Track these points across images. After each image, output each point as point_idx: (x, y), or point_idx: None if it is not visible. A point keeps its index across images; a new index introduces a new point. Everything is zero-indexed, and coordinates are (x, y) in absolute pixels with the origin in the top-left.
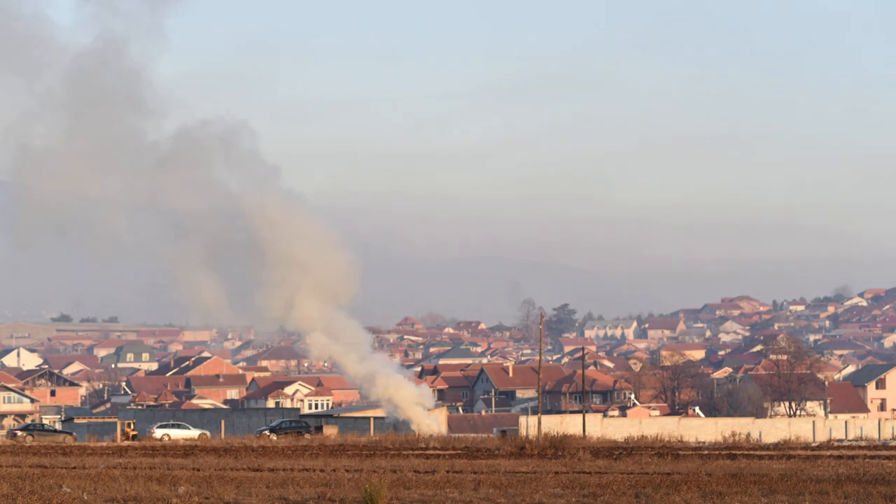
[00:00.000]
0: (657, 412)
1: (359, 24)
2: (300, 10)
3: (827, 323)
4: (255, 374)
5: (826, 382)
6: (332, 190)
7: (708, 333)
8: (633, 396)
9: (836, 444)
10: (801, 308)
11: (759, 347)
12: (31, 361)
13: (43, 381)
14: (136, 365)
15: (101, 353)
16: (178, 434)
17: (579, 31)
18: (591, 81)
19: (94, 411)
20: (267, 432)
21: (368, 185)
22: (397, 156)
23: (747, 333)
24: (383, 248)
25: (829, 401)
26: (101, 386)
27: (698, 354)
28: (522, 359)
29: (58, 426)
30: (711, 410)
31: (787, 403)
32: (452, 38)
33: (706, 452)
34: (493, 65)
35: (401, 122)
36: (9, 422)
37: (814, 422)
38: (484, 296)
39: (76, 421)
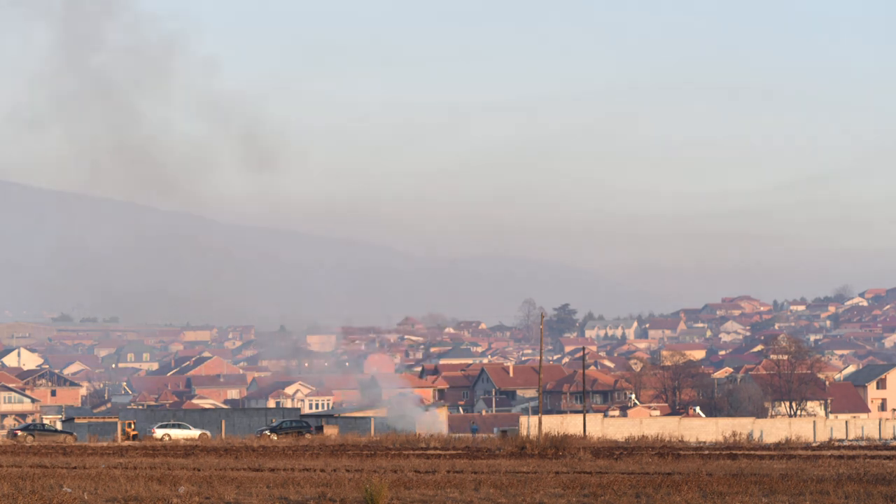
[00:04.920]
0: (658, 412)
1: (347, 30)
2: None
3: (827, 323)
4: (256, 374)
5: (827, 382)
6: (334, 188)
7: (708, 333)
8: (633, 396)
9: (836, 443)
10: (801, 308)
11: (759, 347)
12: (31, 361)
13: (43, 381)
14: (136, 365)
15: (101, 353)
16: (178, 434)
17: (576, 54)
18: (591, 92)
19: (95, 411)
20: (267, 432)
21: (369, 184)
22: (399, 155)
23: (748, 333)
24: (384, 247)
25: (829, 401)
26: (101, 386)
27: (699, 354)
28: (523, 359)
29: (58, 426)
30: (712, 410)
31: (787, 403)
32: (454, 44)
33: (707, 452)
34: (498, 71)
35: (403, 123)
36: (9, 422)
37: (814, 422)
38: (484, 296)
39: (77, 421)
